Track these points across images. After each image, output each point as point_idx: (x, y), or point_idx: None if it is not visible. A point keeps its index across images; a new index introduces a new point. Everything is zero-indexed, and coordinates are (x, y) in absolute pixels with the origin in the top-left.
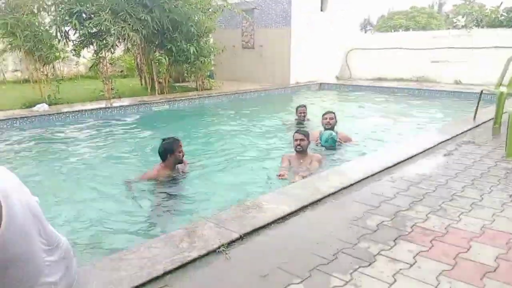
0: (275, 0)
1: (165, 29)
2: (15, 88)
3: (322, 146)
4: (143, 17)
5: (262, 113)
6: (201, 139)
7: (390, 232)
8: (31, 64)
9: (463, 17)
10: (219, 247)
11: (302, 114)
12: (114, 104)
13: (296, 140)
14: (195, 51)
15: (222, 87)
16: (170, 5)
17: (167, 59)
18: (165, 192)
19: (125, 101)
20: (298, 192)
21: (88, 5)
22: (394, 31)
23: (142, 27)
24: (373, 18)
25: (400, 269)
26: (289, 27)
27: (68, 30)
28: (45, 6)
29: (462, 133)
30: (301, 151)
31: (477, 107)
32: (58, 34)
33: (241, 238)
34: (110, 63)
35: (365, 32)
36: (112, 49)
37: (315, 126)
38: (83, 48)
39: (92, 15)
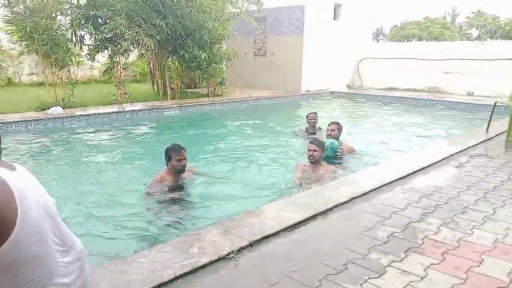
0: (288, 9)
1: (178, 35)
2: (30, 90)
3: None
4: (157, 23)
5: (273, 120)
6: (211, 145)
7: (401, 243)
8: (47, 67)
9: (476, 29)
10: (228, 254)
11: (312, 121)
12: (127, 109)
13: (309, 150)
14: (207, 57)
15: (233, 93)
16: (184, 12)
17: (179, 65)
18: (176, 198)
19: (137, 106)
20: (308, 201)
21: (104, 10)
22: (406, 41)
23: (156, 32)
24: (386, 28)
25: (411, 282)
26: (302, 35)
27: (84, 35)
28: (62, 11)
29: (474, 145)
30: (314, 162)
31: (490, 119)
32: (74, 38)
33: (250, 245)
34: (123, 68)
35: (378, 42)
36: (126, 54)
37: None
38: (97, 52)
39: (108, 20)
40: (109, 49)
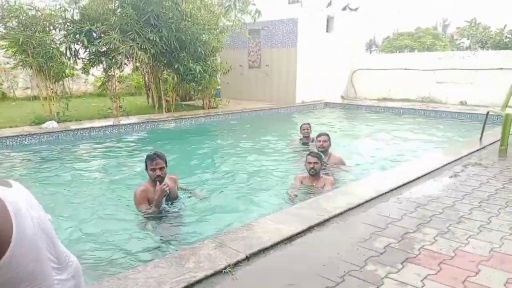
0: (281, 22)
1: (173, 48)
2: (24, 105)
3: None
4: (151, 37)
5: (268, 132)
6: (207, 157)
7: (398, 254)
8: (41, 81)
9: (468, 39)
10: (225, 268)
11: (306, 131)
12: (122, 122)
13: (310, 163)
14: (201, 70)
15: (229, 105)
16: (178, 25)
17: (174, 78)
18: (172, 212)
19: (133, 119)
20: (304, 212)
21: (98, 24)
22: (399, 51)
23: (151, 46)
24: (378, 39)
25: None
26: (295, 47)
27: (79, 49)
28: (56, 25)
29: (468, 154)
30: (315, 174)
31: (483, 128)
32: (68, 52)
33: (247, 258)
34: (118, 81)
35: (370, 53)
36: (121, 67)
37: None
38: (92, 66)
39: (102, 34)
40: (104, 62)
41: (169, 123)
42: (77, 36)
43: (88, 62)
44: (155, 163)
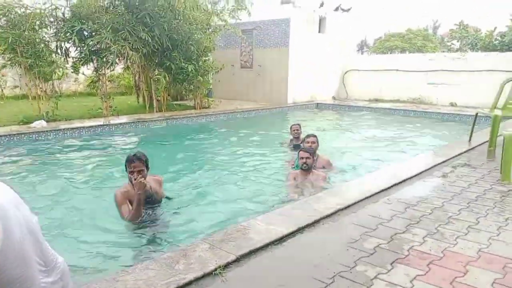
0: (274, 22)
1: (164, 47)
2: (13, 104)
3: (294, 169)
4: (143, 36)
5: (260, 132)
6: (198, 157)
7: (387, 255)
8: (30, 80)
9: (458, 41)
10: (215, 269)
11: (296, 132)
12: (112, 122)
13: (302, 158)
14: (193, 70)
15: (220, 105)
16: (170, 24)
17: (166, 77)
18: (161, 213)
19: (123, 119)
20: (295, 213)
21: (89, 23)
22: (390, 52)
23: (143, 45)
24: (369, 40)
25: None
26: (288, 47)
27: (69, 47)
28: (47, 23)
29: (457, 155)
30: (307, 169)
31: (472, 129)
32: (59, 50)
33: (237, 260)
34: (109, 81)
35: (362, 53)
36: (112, 67)
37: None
38: (83, 65)
39: (93, 33)
40: (95, 61)
41: (160, 123)
42: (68, 34)
43: (78, 61)
44: (133, 166)
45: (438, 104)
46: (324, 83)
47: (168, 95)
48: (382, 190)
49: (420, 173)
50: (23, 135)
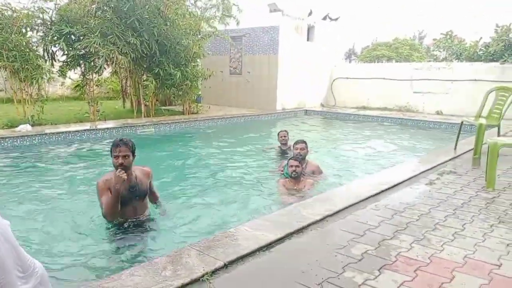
0: (263, 29)
1: (153, 53)
2: None
3: (283, 175)
4: (132, 41)
5: (248, 138)
6: (186, 163)
7: (375, 261)
8: (16, 83)
9: (443, 50)
10: (202, 276)
11: (283, 138)
12: (99, 126)
13: (291, 166)
14: (181, 75)
15: (209, 111)
16: (160, 29)
17: (154, 82)
18: (148, 217)
19: (110, 123)
20: (283, 219)
21: (77, 27)
22: (377, 61)
23: (131, 50)
24: (357, 48)
25: None
26: (277, 55)
27: (56, 51)
28: (34, 26)
29: (443, 162)
30: (296, 177)
31: (458, 137)
32: (45, 54)
33: (225, 266)
34: (96, 85)
35: (350, 62)
36: (99, 71)
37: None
38: (70, 69)
39: (81, 37)
40: (82, 66)
41: (148, 128)
42: (55, 38)
43: (66, 65)
44: (118, 150)
45: (425, 112)
46: (312, 90)
47: (157, 100)
48: (370, 197)
49: (407, 180)
50: (7, 139)
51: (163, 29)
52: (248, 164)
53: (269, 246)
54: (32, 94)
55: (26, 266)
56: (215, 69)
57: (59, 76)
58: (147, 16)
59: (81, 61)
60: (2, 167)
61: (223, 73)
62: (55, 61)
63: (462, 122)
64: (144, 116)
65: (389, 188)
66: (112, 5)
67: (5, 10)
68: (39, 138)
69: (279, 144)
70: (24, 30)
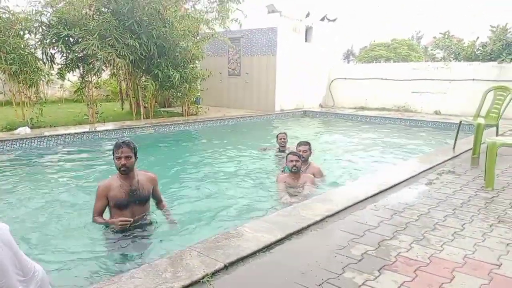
0: (261, 31)
1: (152, 54)
2: None
3: (283, 170)
4: (130, 43)
5: (247, 139)
6: (185, 164)
7: (375, 261)
8: (15, 86)
9: (442, 49)
10: (203, 277)
11: (282, 140)
12: (98, 128)
13: (291, 161)
14: (180, 77)
15: (208, 113)
16: (158, 31)
17: (153, 84)
18: (148, 220)
19: (109, 125)
20: (283, 220)
21: (76, 29)
22: (375, 61)
23: (130, 52)
24: (356, 49)
25: None
26: (275, 56)
27: (54, 53)
28: (32, 29)
29: (442, 162)
30: (297, 172)
31: (456, 137)
32: (44, 57)
33: (225, 267)
34: (95, 87)
35: (348, 62)
36: (98, 73)
37: None
38: (69, 71)
39: (80, 39)
40: (81, 68)
41: (147, 130)
42: (54, 41)
43: (64, 67)
44: (121, 151)
45: (423, 112)
46: (311, 91)
47: (156, 102)
48: (369, 197)
49: (406, 180)
50: (6, 142)
51: (162, 31)
52: (247, 166)
53: (269, 247)
54: (31, 97)
55: (27, 270)
56: (214, 71)
57: (58, 78)
58: (146, 18)
59: (80, 64)
60: (1, 170)
61: (222, 74)
62: (54, 63)
63: (460, 122)
64: (143, 118)
65: (388, 188)
66: (111, 7)
67: (3, 13)
68: (38, 140)
69: (278, 146)
70: (22, 33)
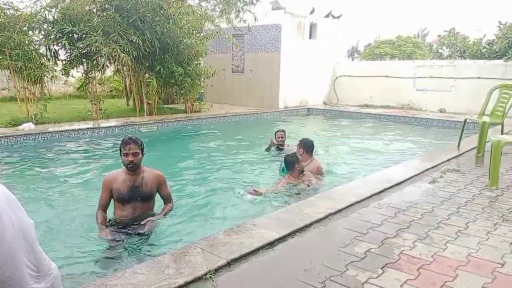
0: (265, 27)
1: (156, 51)
2: (1, 106)
3: (281, 173)
4: (134, 39)
5: (251, 136)
6: (188, 161)
7: (378, 259)
8: (19, 82)
9: (447, 47)
10: (206, 274)
11: (281, 138)
12: (102, 125)
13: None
14: (183, 73)
15: (212, 109)
16: (162, 28)
17: (157, 81)
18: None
19: (113, 122)
20: (286, 217)
21: (80, 26)
22: (380, 59)
23: (134, 49)
24: (361, 46)
25: None
26: (279, 53)
27: (58, 50)
28: (36, 25)
29: (446, 161)
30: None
31: (461, 135)
32: (48, 53)
33: (228, 264)
34: (99, 83)
35: (353, 60)
36: (102, 70)
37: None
38: (73, 67)
39: (84, 36)
40: (85, 64)
41: (150, 127)
42: (58, 37)
43: (68, 63)
44: (128, 148)
45: (427, 110)
46: (315, 88)
47: (159, 99)
48: (373, 195)
49: (410, 178)
50: (10, 138)
51: (166, 28)
52: (251, 162)
53: (272, 244)
54: (35, 93)
55: (42, 267)
56: (218, 67)
57: (62, 74)
58: (149, 15)
59: (84, 60)
60: (6, 165)
61: (226, 71)
62: (58, 60)
63: (465, 120)
64: (147, 115)
65: (392, 187)
66: (115, 4)
67: (8, 9)
68: (43, 136)
69: (276, 144)
70: (26, 29)
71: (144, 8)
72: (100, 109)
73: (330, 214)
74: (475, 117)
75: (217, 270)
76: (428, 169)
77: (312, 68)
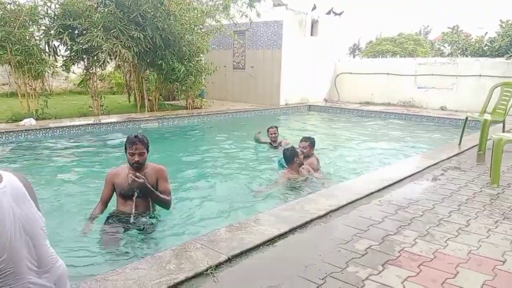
0: (266, 24)
1: (157, 47)
2: (2, 101)
3: (279, 168)
4: (135, 35)
5: (252, 133)
6: (189, 157)
7: (379, 256)
8: (20, 78)
9: (449, 45)
10: (206, 269)
11: (273, 135)
12: (103, 121)
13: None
14: (185, 70)
15: (212, 106)
16: (163, 23)
17: (157, 77)
18: (152, 212)
19: (114, 118)
20: (287, 214)
21: (80, 21)
22: (381, 56)
23: (135, 44)
24: (362, 43)
25: None
26: (280, 49)
27: (59, 45)
28: (37, 20)
29: (448, 158)
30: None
31: (462, 133)
32: (47, 48)
33: (229, 260)
34: (100, 79)
35: (354, 57)
36: (103, 66)
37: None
38: (73, 63)
39: (84, 31)
40: (86, 60)
41: (151, 123)
42: (59, 32)
43: (69, 59)
44: (134, 148)
45: (429, 108)
46: (316, 85)
47: (160, 95)
48: (373, 192)
49: (411, 175)
50: (11, 133)
51: (167, 24)
52: (251, 159)
53: (272, 240)
54: (36, 88)
55: (45, 262)
56: (219, 64)
57: (63, 70)
58: (150, 11)
59: (84, 56)
60: (7, 161)
61: (227, 67)
62: (57, 55)
63: (466, 118)
64: (148, 111)
65: (393, 184)
66: None
67: (8, 4)
68: (43, 132)
69: (269, 140)
70: (27, 24)
71: (145, 5)
72: (101, 105)
73: (331, 211)
74: (476, 115)
75: (218, 266)
76: (429, 167)
77: (313, 65)
